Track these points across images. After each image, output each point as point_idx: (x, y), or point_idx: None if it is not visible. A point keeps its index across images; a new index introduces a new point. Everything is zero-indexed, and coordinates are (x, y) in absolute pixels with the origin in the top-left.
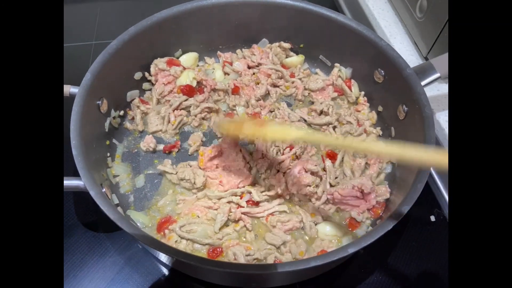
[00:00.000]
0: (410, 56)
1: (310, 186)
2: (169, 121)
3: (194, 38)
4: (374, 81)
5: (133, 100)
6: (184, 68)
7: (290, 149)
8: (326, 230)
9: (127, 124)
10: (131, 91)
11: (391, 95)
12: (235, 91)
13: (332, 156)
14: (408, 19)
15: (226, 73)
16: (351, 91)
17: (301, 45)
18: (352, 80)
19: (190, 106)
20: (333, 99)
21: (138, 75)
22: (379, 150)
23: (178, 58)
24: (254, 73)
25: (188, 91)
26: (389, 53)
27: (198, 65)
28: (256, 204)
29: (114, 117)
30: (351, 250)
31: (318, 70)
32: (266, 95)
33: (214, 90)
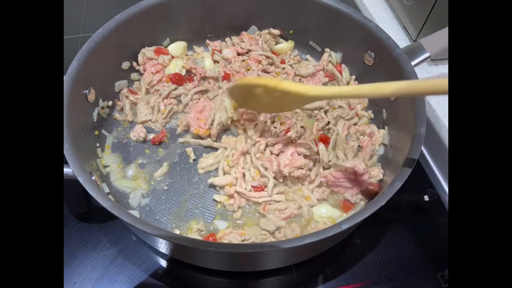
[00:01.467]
0: (400, 40)
1: (302, 168)
2: (159, 111)
3: (182, 26)
4: (364, 64)
5: (121, 90)
6: (173, 57)
7: (286, 133)
8: (321, 212)
9: (116, 115)
10: (119, 81)
11: (381, 77)
12: (226, 78)
13: (325, 140)
14: (396, 3)
15: (215, 61)
16: (341, 75)
17: (291, 31)
18: (343, 65)
19: (180, 95)
20: (324, 84)
21: (126, 65)
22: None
23: (166, 47)
24: (244, 60)
25: (177, 80)
26: (378, 34)
27: (187, 54)
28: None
29: (102, 107)
30: (345, 226)
31: (308, 56)
32: None
33: (204, 78)
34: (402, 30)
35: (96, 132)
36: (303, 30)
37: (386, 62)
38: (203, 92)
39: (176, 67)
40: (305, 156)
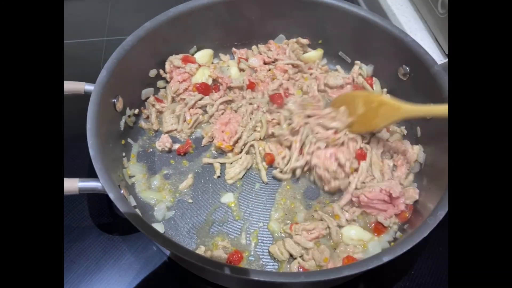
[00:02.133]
0: (432, 54)
1: (328, 172)
2: (184, 120)
3: (209, 34)
4: (398, 78)
5: (147, 98)
6: (200, 65)
7: (335, 133)
8: (351, 234)
9: (142, 123)
10: (146, 89)
11: (417, 94)
12: (251, 87)
13: (362, 156)
14: (429, 15)
15: (241, 70)
16: (372, 89)
17: (320, 41)
18: (374, 78)
19: (206, 105)
20: None
21: (153, 73)
22: None
23: (193, 54)
24: (270, 69)
25: (204, 89)
26: (415, 49)
27: (212, 62)
28: None
29: (129, 116)
30: (386, 259)
31: (338, 67)
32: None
33: (229, 88)
34: (434, 43)
35: (123, 142)
36: (333, 40)
37: (423, 79)
38: (229, 102)
39: (203, 76)
40: (340, 165)
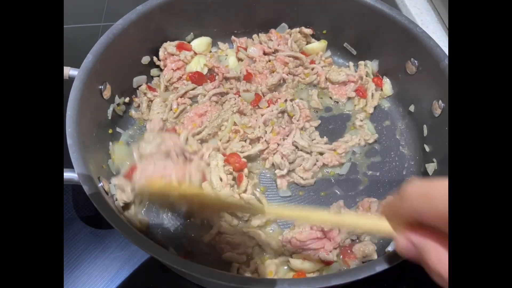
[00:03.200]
0: (444, 48)
1: None
2: (170, 109)
3: (207, 21)
4: (405, 73)
5: (139, 86)
6: (195, 54)
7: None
8: (297, 264)
9: (132, 112)
10: (138, 76)
11: (424, 90)
12: (247, 77)
13: None
14: (442, 7)
15: (240, 59)
16: (381, 89)
17: (324, 31)
18: (385, 78)
19: (198, 96)
20: (349, 98)
21: (145, 59)
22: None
23: (189, 42)
24: (270, 60)
25: (198, 78)
26: (425, 42)
27: (210, 51)
28: None
29: (118, 104)
30: (379, 269)
31: (350, 64)
32: (282, 84)
33: (226, 78)
34: (446, 37)
35: (110, 131)
36: (338, 31)
37: (432, 74)
38: (223, 94)
39: (198, 64)
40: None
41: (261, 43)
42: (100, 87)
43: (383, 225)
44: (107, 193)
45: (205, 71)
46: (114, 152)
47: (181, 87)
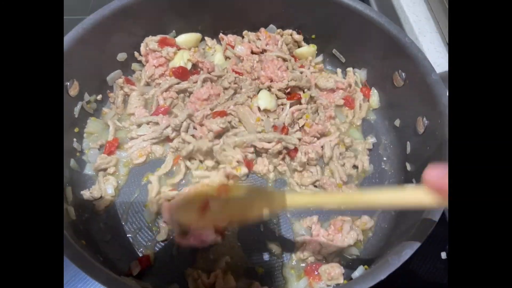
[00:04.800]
0: (440, 59)
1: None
2: (158, 105)
3: (191, 19)
4: (393, 85)
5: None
6: (179, 48)
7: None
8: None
9: (104, 110)
10: (112, 73)
11: (410, 104)
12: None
13: None
14: (442, 16)
15: (227, 57)
16: (368, 100)
17: (313, 36)
18: (373, 89)
19: (185, 90)
20: (338, 106)
21: (122, 56)
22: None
23: (175, 37)
24: (259, 60)
25: (181, 73)
26: (413, 53)
27: (197, 47)
28: None
29: (88, 102)
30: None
31: (338, 71)
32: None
33: (209, 73)
34: (444, 47)
35: (76, 129)
36: (327, 36)
37: (419, 87)
38: (212, 80)
39: (181, 59)
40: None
41: (249, 42)
42: (67, 83)
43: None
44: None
45: (189, 66)
46: (89, 126)
47: (163, 82)
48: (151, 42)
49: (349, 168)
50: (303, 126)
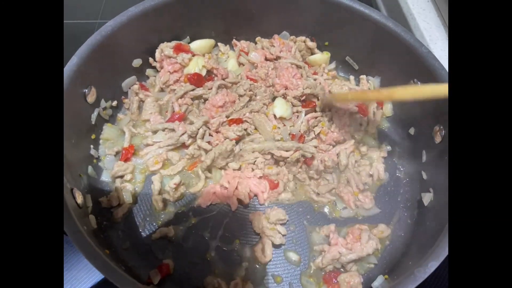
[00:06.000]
0: None
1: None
2: (173, 111)
3: (205, 25)
4: None
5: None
6: (193, 55)
7: None
8: None
9: (120, 116)
10: (127, 79)
11: (426, 113)
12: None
13: None
14: None
15: (240, 64)
16: (381, 108)
17: (326, 43)
18: None
19: (200, 96)
20: (352, 114)
21: (137, 62)
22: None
23: (189, 43)
24: (273, 68)
25: (196, 80)
26: (429, 62)
27: (210, 53)
28: None
29: (104, 108)
30: None
31: (351, 78)
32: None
33: (224, 80)
34: None
35: (93, 136)
36: (340, 44)
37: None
38: (227, 86)
39: (196, 66)
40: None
41: (263, 49)
42: (85, 90)
43: None
44: (79, 206)
45: (203, 72)
46: (104, 132)
47: (179, 88)
48: (166, 48)
49: (364, 176)
50: (318, 133)
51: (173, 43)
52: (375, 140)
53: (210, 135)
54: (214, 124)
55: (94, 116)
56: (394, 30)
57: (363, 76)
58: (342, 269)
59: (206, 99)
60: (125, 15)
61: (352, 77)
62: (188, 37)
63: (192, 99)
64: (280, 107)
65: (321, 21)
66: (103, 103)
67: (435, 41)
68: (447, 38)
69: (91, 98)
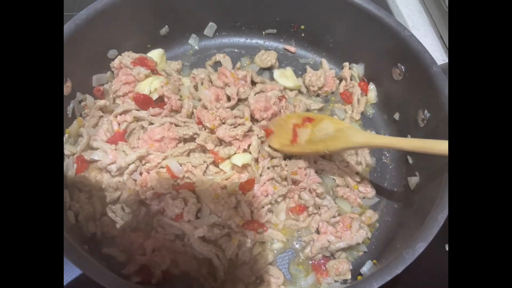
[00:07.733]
0: (434, 52)
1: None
2: (112, 131)
3: (189, 13)
4: (391, 79)
5: (102, 85)
6: (152, 72)
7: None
8: None
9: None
10: (100, 74)
11: (411, 97)
12: (199, 124)
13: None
14: (435, 10)
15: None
16: (366, 95)
17: (302, 27)
18: (371, 84)
19: (142, 119)
20: (336, 103)
21: (112, 53)
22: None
23: (164, 36)
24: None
25: (143, 102)
26: (413, 46)
27: (164, 70)
28: None
29: (80, 101)
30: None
31: (323, 61)
32: None
33: (174, 111)
34: (438, 40)
35: (67, 131)
36: (320, 29)
37: (419, 80)
38: (176, 125)
39: (148, 86)
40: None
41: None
42: None
43: None
44: None
45: (154, 96)
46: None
47: (120, 105)
48: (126, 57)
49: (354, 166)
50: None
51: (138, 55)
52: (360, 126)
53: (140, 173)
54: (152, 161)
55: (70, 109)
56: (377, 14)
57: (346, 63)
58: (331, 257)
59: (152, 123)
60: (100, 3)
61: (324, 61)
62: (166, 26)
63: (135, 119)
64: (238, 158)
65: (301, 4)
66: (79, 96)
67: (418, 27)
68: (430, 24)
69: (66, 90)
